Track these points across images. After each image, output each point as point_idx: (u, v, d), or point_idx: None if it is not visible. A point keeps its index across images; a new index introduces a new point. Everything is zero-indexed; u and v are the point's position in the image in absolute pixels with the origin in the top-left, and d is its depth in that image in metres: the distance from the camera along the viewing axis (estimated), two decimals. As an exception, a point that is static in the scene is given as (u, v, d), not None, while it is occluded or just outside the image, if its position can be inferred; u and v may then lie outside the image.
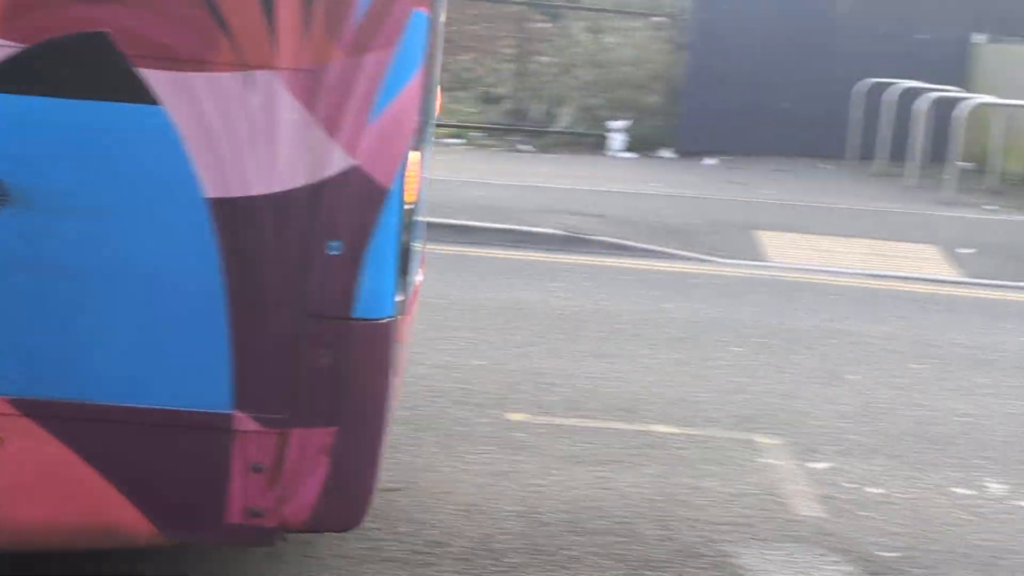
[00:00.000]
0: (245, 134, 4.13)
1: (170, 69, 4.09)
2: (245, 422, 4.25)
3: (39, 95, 4.09)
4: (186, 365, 4.22)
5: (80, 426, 4.21)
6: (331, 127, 4.16)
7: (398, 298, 4.40)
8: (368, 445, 4.39)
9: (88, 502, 4.25)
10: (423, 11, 4.23)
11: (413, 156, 4.36)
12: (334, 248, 4.22)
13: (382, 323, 4.32)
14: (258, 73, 4.11)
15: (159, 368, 4.22)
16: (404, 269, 4.49)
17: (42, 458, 4.21)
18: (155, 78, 4.08)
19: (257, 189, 4.16)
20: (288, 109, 4.13)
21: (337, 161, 4.18)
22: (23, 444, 4.20)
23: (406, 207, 4.36)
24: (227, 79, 4.11)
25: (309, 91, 4.14)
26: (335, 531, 4.61)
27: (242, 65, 4.11)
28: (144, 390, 4.23)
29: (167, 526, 4.31)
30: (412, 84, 4.24)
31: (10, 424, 4.18)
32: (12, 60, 4.06)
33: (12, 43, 4.05)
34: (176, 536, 4.34)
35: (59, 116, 4.09)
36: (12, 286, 4.16)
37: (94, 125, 4.10)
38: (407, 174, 4.30)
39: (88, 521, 4.28)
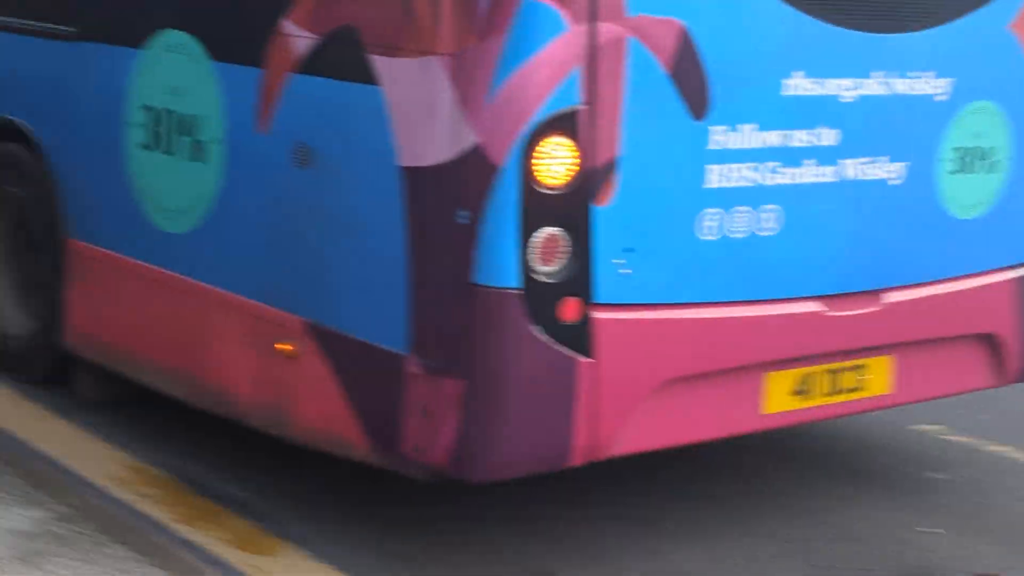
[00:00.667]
0: (421, 112, 4.77)
1: (384, 55, 4.89)
2: (413, 364, 4.84)
3: (323, 77, 5.14)
4: (382, 306, 4.94)
5: (337, 350, 5.14)
6: (464, 106, 4.63)
7: (531, 273, 4.62)
8: (490, 404, 4.69)
9: (334, 413, 5.15)
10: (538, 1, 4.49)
11: (560, 140, 4.58)
12: (462, 217, 4.65)
13: (499, 291, 4.62)
14: (428, 58, 4.73)
15: (369, 306, 5.00)
16: (545, 248, 4.66)
17: (317, 373, 5.21)
18: (377, 63, 4.91)
19: (425, 161, 4.76)
20: (442, 90, 4.69)
21: (466, 137, 4.63)
22: (310, 360, 5.24)
23: (540, 189, 4.59)
24: (412, 64, 4.79)
25: (454, 73, 4.65)
26: (467, 481, 4.87)
27: (420, 52, 4.76)
28: (361, 325, 5.04)
29: (375, 447, 5.04)
30: (523, 69, 4.52)
31: (304, 343, 5.25)
32: (311, 50, 5.17)
33: (312, 35, 5.16)
34: (378, 458, 5.05)
35: (331, 94, 5.10)
36: (308, 229, 5.24)
37: (347, 102, 5.03)
38: (540, 155, 4.56)
39: (332, 428, 5.18)
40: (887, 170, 5.39)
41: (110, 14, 6.15)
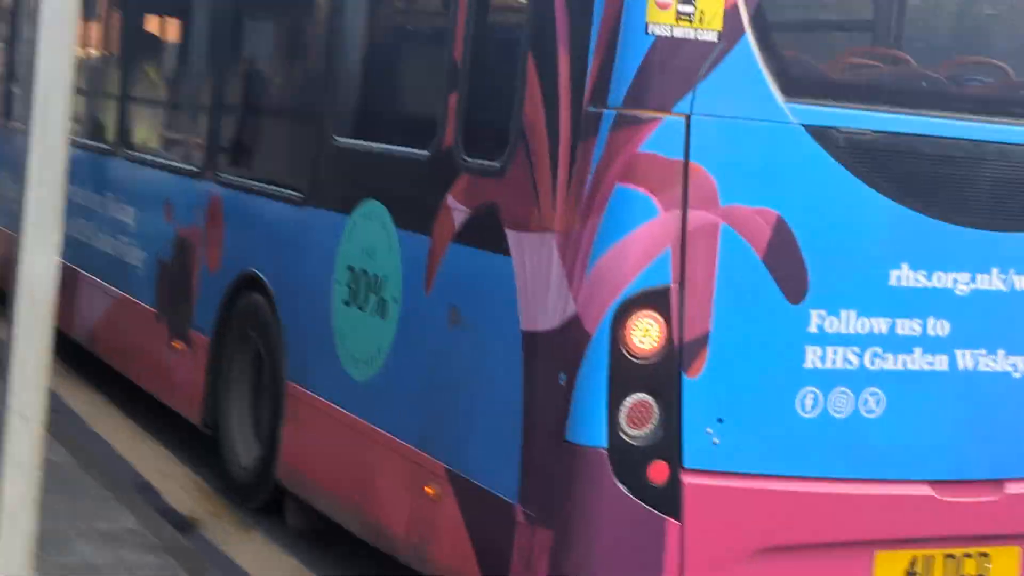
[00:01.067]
0: (538, 282, 5.28)
1: (515, 230, 5.43)
2: (520, 513, 5.30)
3: (471, 246, 5.71)
4: (500, 456, 5.42)
5: (467, 495, 5.63)
6: (568, 279, 5.11)
7: (621, 435, 5.03)
8: (575, 556, 5.08)
9: (463, 555, 5.63)
10: (628, 187, 4.96)
11: (649, 314, 5.01)
12: (561, 379, 5.11)
13: (587, 449, 5.04)
14: (545, 234, 5.25)
15: (492, 456, 5.49)
16: (633, 414, 5.05)
17: (452, 516, 5.72)
18: (510, 236, 5.45)
19: (538, 326, 5.26)
20: (553, 263, 5.19)
21: (568, 307, 5.11)
22: (448, 503, 5.75)
23: (629, 357, 5.01)
24: (534, 238, 5.31)
25: (562, 249, 5.15)
26: None
27: (541, 228, 5.28)
28: (485, 473, 5.53)
29: (489, 585, 5.50)
30: (615, 249, 4.98)
31: (444, 487, 5.77)
32: (465, 222, 5.74)
33: (466, 209, 5.75)
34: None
35: (476, 262, 5.66)
36: (451, 382, 5.78)
37: (487, 269, 5.59)
38: (630, 326, 5.00)
39: (460, 569, 5.65)
40: (1009, 363, 5.55)
41: (329, 184, 6.91)
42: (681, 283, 5.05)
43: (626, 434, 5.06)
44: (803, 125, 5.15)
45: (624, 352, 5.03)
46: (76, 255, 10.49)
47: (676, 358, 5.08)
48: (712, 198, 5.06)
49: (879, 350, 5.33)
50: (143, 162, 9.47)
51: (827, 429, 5.30)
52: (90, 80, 11.01)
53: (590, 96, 5.09)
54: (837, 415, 5.30)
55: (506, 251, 5.45)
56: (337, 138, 6.84)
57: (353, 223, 6.58)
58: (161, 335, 8.72)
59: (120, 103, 10.05)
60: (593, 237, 5.04)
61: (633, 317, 5.02)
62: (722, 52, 5.02)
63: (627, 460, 5.06)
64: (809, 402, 5.26)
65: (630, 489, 5.07)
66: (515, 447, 5.33)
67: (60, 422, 8.05)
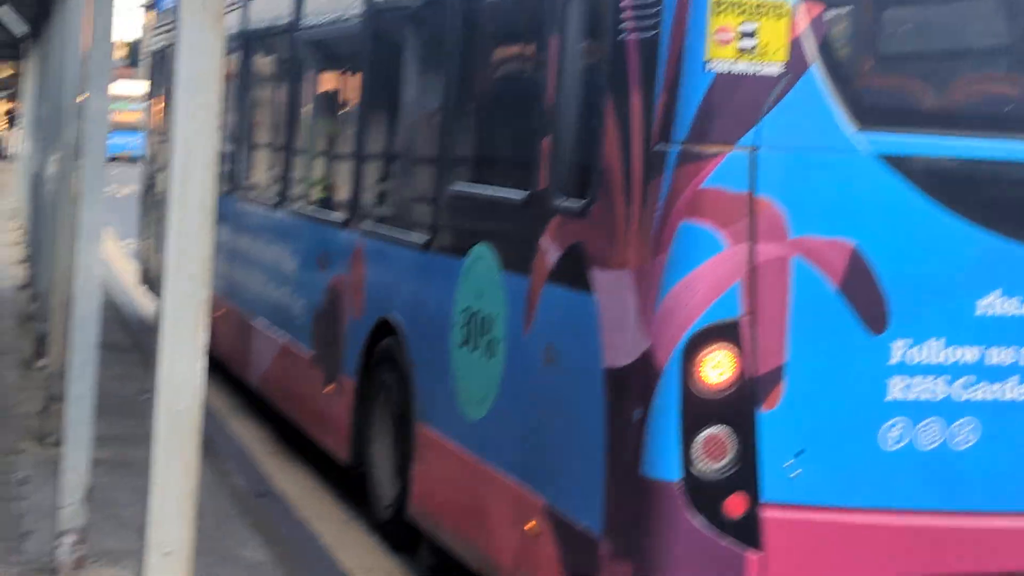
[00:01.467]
0: (616, 319, 5.34)
1: (599, 268, 5.51)
2: (604, 547, 5.35)
3: (563, 286, 5.80)
4: (588, 492, 5.48)
5: (561, 531, 5.71)
6: (641, 315, 5.17)
7: (695, 468, 5.05)
8: (655, 592, 5.11)
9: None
10: (691, 221, 5.00)
11: (720, 347, 5.04)
12: (636, 415, 5.16)
13: (661, 483, 5.07)
14: (623, 271, 5.32)
15: (582, 492, 5.55)
16: (707, 449, 5.06)
17: (549, 552, 5.79)
18: (595, 275, 5.53)
19: (618, 363, 5.32)
20: (630, 300, 5.25)
21: (641, 343, 5.16)
22: (545, 539, 5.83)
23: (700, 392, 5.04)
24: (614, 276, 5.38)
25: (637, 286, 5.21)
26: None
27: (619, 266, 5.35)
28: (576, 508, 5.59)
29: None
30: (682, 283, 5.02)
31: (542, 523, 5.86)
32: (557, 263, 5.84)
33: (558, 250, 5.84)
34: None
35: (568, 301, 5.75)
36: (548, 419, 5.87)
37: (576, 307, 5.66)
38: (701, 360, 5.03)
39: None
40: (1114, 392, 5.41)
41: (447, 229, 7.08)
42: (752, 316, 5.06)
43: (701, 467, 5.08)
44: (878, 155, 5.12)
45: (696, 385, 5.05)
46: (250, 303, 10.91)
47: (750, 391, 5.08)
48: (781, 230, 5.06)
49: (970, 379, 5.25)
50: (301, 215, 9.80)
51: (914, 461, 5.23)
52: (252, 139, 11.46)
53: (657, 134, 5.15)
54: (925, 446, 5.23)
55: (591, 289, 5.53)
56: (453, 184, 7.01)
57: (468, 266, 6.73)
58: (318, 380, 9.00)
59: (280, 159, 10.45)
60: (661, 273, 5.09)
61: (704, 351, 5.05)
62: (788, 84, 5.03)
63: (703, 493, 5.08)
64: (895, 434, 5.21)
65: (707, 522, 5.08)
66: (599, 482, 5.38)
67: (264, 509, 8.31)
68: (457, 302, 6.83)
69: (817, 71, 5.07)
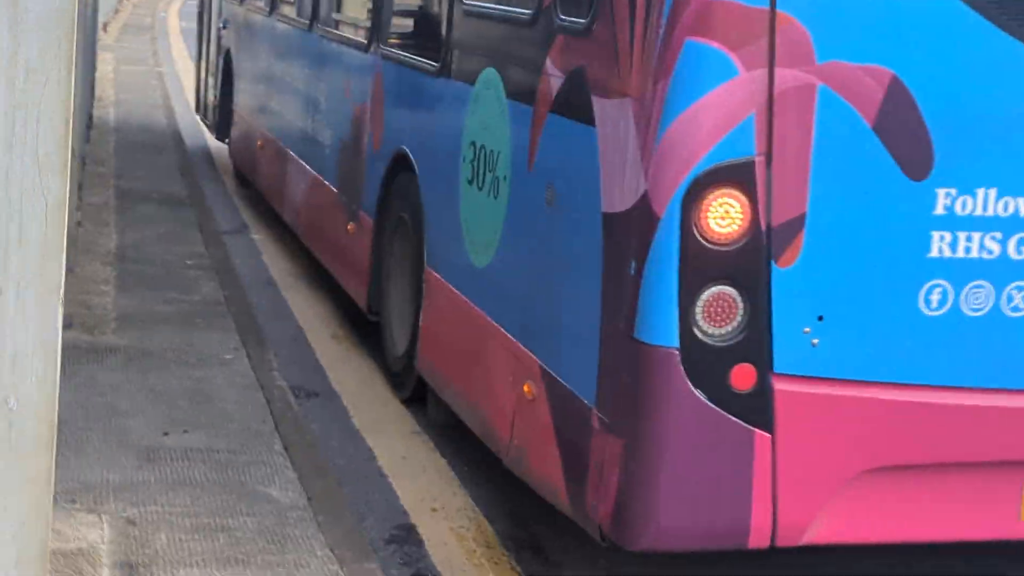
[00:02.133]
0: (616, 156, 4.58)
1: (599, 96, 4.73)
2: (595, 418, 4.66)
3: (565, 117, 5.03)
4: (582, 356, 4.77)
5: (556, 396, 5.02)
6: (640, 152, 4.40)
7: (696, 333, 4.32)
8: (647, 469, 4.41)
9: (551, 462, 5.03)
10: (697, 40, 4.19)
11: (729, 192, 4.26)
12: (632, 269, 4.42)
13: (657, 349, 4.34)
14: (624, 100, 4.54)
15: (576, 355, 4.85)
16: (707, 307, 4.32)
17: (544, 420, 5.11)
18: (595, 104, 4.76)
19: (615, 207, 4.57)
20: (630, 134, 4.48)
21: (640, 185, 4.40)
22: (541, 405, 5.14)
23: (706, 243, 4.28)
24: (614, 105, 4.60)
25: (637, 117, 4.44)
26: (628, 548, 4.53)
27: (620, 93, 4.57)
28: (570, 373, 4.89)
29: (571, 502, 4.87)
30: (685, 115, 4.23)
31: (539, 387, 5.16)
32: (560, 89, 5.07)
33: (561, 74, 5.07)
34: (573, 515, 4.86)
35: (569, 133, 4.98)
36: (547, 271, 5.15)
37: (576, 142, 4.91)
38: (706, 207, 4.27)
39: (549, 478, 5.05)
40: None
41: (458, 51, 6.31)
42: (768, 156, 4.28)
43: (703, 332, 4.34)
44: (925, -35, 4.28)
45: (699, 236, 4.30)
46: (284, 133, 10.22)
47: (764, 244, 4.32)
48: (807, 54, 4.25)
49: None
50: (329, 37, 9.04)
51: (959, 329, 4.46)
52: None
53: (662, -55, 4.34)
54: (972, 313, 4.46)
55: (592, 121, 4.76)
56: (463, 1, 6.23)
57: (476, 94, 5.97)
58: (341, 217, 8.33)
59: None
60: (663, 102, 4.31)
61: (709, 196, 4.28)
62: None
63: (704, 362, 4.35)
64: (936, 298, 4.43)
65: (708, 396, 4.36)
66: (594, 346, 4.67)
67: (310, 416, 6.64)
68: (465, 134, 6.09)
69: None
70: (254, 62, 11.81)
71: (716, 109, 4.24)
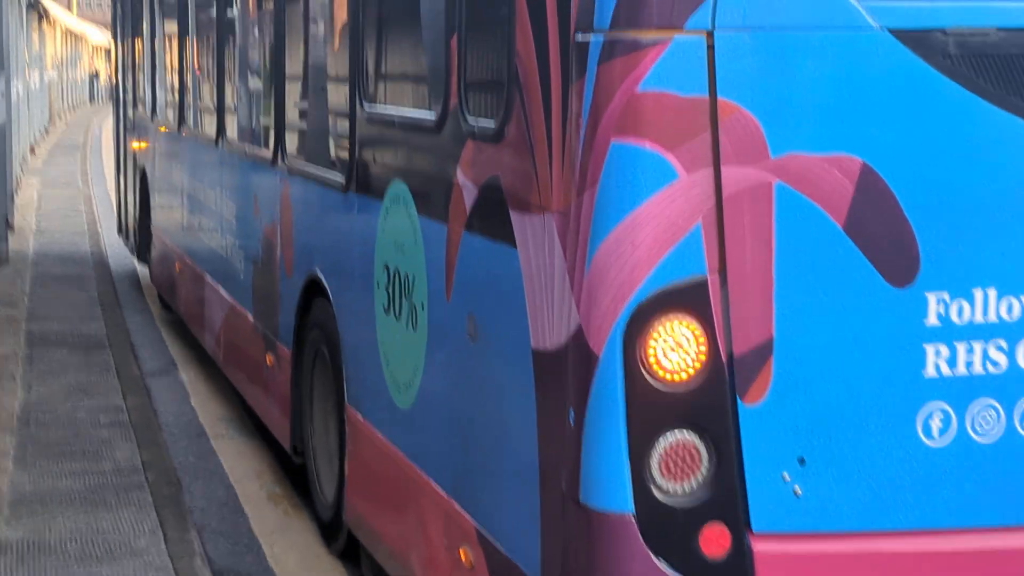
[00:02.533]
0: (542, 282, 3.83)
1: (518, 210, 3.99)
2: (540, 590, 3.88)
3: (481, 235, 4.29)
4: (522, 519, 4.00)
5: (495, 568, 4.24)
6: (570, 277, 3.66)
7: (654, 492, 3.56)
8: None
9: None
10: (626, 141, 3.46)
11: (679, 320, 3.51)
12: (571, 418, 3.66)
13: (608, 515, 3.58)
14: (545, 215, 3.80)
15: (515, 517, 4.08)
16: (666, 462, 3.56)
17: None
18: (514, 220, 4.01)
19: (546, 343, 3.81)
20: (556, 255, 3.74)
21: (572, 316, 3.65)
22: (482, 571, 4.37)
23: (656, 384, 3.52)
24: (536, 221, 3.86)
25: (562, 235, 3.69)
26: None
27: (541, 207, 3.83)
28: (510, 539, 4.12)
29: None
30: (619, 231, 3.49)
31: (476, 553, 4.39)
32: (474, 202, 4.33)
33: (474, 185, 4.33)
34: None
35: (487, 255, 4.24)
36: (477, 417, 4.39)
37: (495, 265, 4.16)
38: (652, 339, 3.51)
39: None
40: None
41: (363, 162, 5.57)
42: (723, 272, 3.54)
43: (662, 491, 3.58)
44: (889, 29, 3.56)
45: (647, 376, 3.54)
46: (201, 256, 9.47)
47: (726, 379, 3.56)
48: (758, 147, 3.52)
49: None
50: (236, 151, 8.31)
51: (968, 459, 3.71)
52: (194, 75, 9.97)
53: (576, 16, 3.62)
54: (982, 438, 3.71)
55: (512, 241, 4.02)
56: (364, 107, 5.50)
57: (386, 210, 5.24)
58: (259, 347, 7.56)
59: (211, 88, 8.93)
60: (590, 218, 3.57)
61: (656, 325, 3.53)
62: (756, -63, 3.48)
63: (667, 527, 3.58)
64: (937, 424, 3.69)
65: (675, 566, 3.58)
66: (535, 508, 3.90)
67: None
68: (378, 256, 5.34)
69: None
70: (167, 179, 11.10)
71: (655, 221, 3.49)
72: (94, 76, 67.35)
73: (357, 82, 5.55)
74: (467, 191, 4.36)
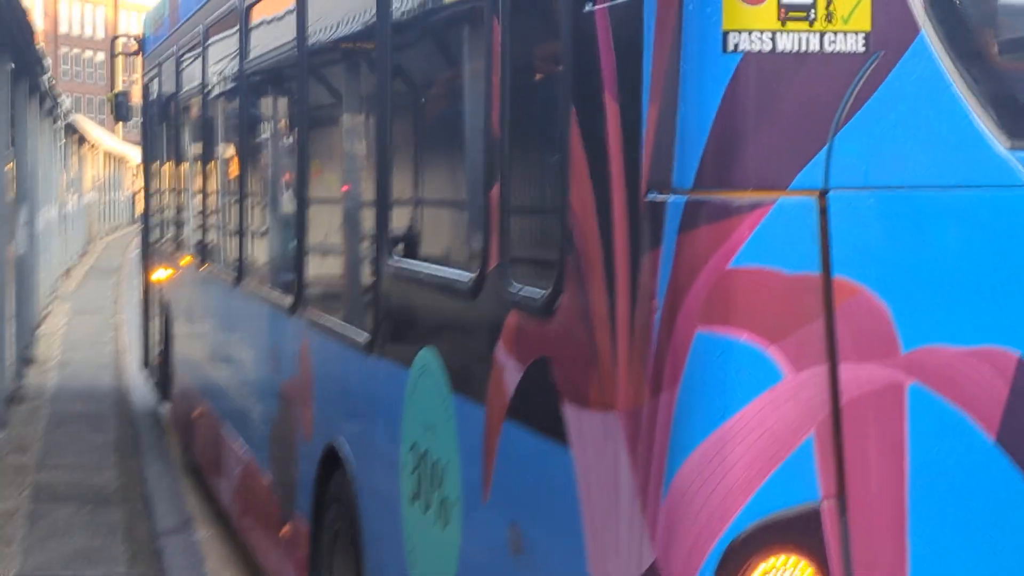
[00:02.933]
0: (603, 498, 3.05)
1: (573, 403, 3.22)
2: None
3: (527, 427, 3.53)
4: None
5: None
6: (642, 499, 2.87)
7: None
8: None
9: None
10: (716, 332, 2.69)
11: (787, 560, 2.72)
12: None
13: None
14: (609, 414, 3.03)
15: None
16: None
17: None
18: (567, 414, 3.24)
19: (611, 574, 3.02)
20: (622, 466, 2.95)
21: (644, 553, 2.85)
22: None
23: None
24: (596, 420, 3.09)
25: (631, 442, 2.92)
26: None
27: (603, 403, 3.06)
28: None
29: None
30: (708, 446, 2.71)
31: None
32: (517, 387, 3.57)
33: (518, 367, 3.57)
34: None
35: (533, 453, 3.47)
36: None
37: (544, 466, 3.39)
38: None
39: None
40: None
41: (389, 322, 4.83)
42: (841, 499, 2.74)
43: None
44: (1049, 189, 2.80)
45: (740, 635, 2.74)
46: (220, 403, 8.72)
47: (846, 634, 2.76)
48: (885, 338, 2.74)
49: None
50: (255, 294, 7.59)
51: None
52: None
53: (648, 170, 2.87)
54: None
55: (563, 438, 3.25)
56: (390, 259, 4.76)
57: (414, 381, 4.48)
58: (276, 514, 6.78)
59: (237, 232, 8.24)
60: (669, 425, 2.79)
61: (755, 567, 2.73)
62: (880, 71, 2.73)
63: None
64: None
65: None
66: None
67: None
68: (405, 434, 4.58)
69: (931, 43, 2.77)
70: (188, 316, 10.41)
71: (754, 433, 2.71)
72: (136, 195, 67.61)
73: (384, 230, 4.83)
74: (509, 371, 3.60)
